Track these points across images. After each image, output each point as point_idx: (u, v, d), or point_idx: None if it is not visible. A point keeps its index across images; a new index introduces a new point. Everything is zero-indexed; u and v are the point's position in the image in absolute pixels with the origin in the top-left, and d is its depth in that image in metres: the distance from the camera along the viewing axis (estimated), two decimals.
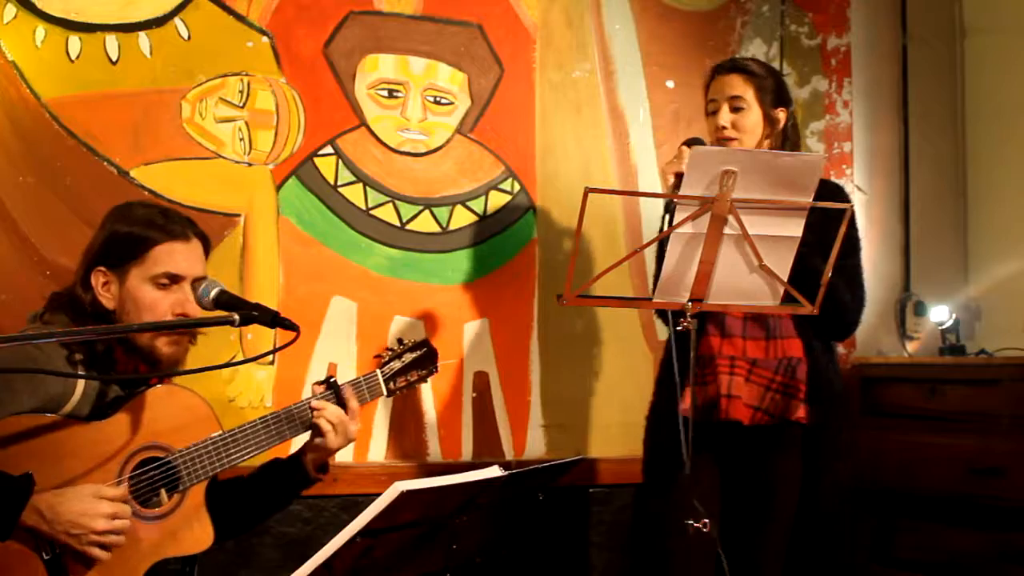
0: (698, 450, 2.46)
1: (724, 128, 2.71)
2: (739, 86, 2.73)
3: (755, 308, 2.37)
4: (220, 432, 2.18)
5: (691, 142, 2.62)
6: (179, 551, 2.13)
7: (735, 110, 2.72)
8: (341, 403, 2.30)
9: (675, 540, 2.61)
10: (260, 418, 2.22)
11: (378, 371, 2.38)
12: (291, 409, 2.25)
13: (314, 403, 2.26)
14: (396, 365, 2.40)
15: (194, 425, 2.17)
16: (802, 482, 2.69)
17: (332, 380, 2.31)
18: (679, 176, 2.44)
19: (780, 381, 2.65)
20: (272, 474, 2.36)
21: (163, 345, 2.17)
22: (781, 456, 2.68)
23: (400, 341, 2.44)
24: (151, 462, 2.11)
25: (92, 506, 1.98)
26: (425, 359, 2.44)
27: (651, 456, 2.79)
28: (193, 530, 2.15)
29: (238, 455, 2.18)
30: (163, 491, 2.12)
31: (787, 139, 2.78)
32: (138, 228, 2.18)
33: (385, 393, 2.38)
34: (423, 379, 2.44)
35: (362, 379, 2.35)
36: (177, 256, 2.18)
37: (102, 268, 2.18)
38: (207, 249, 2.28)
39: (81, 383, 2.10)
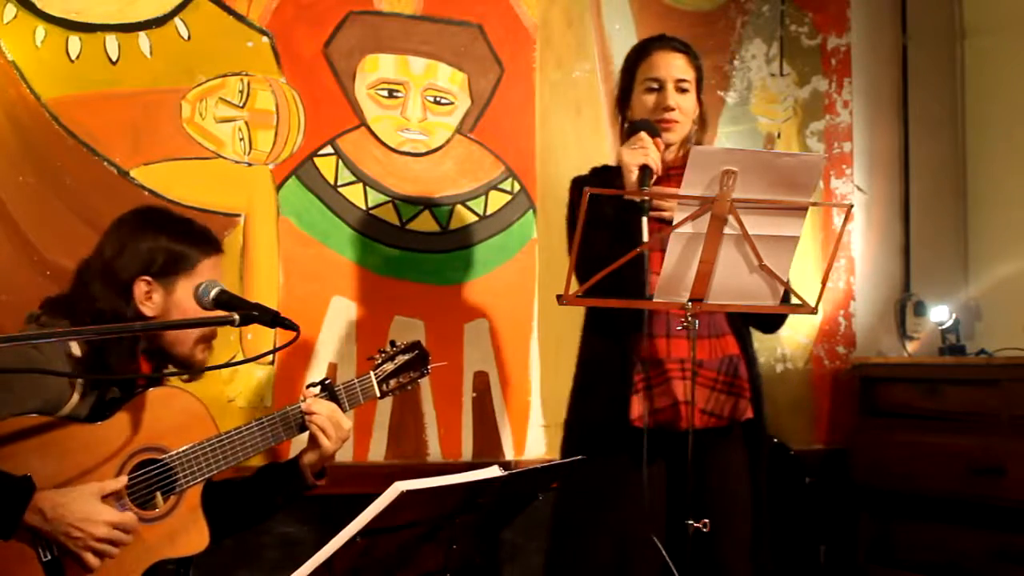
0: (650, 459, 2.41)
1: (674, 109, 2.54)
2: (684, 68, 2.59)
3: (755, 308, 2.36)
4: (217, 434, 2.19)
5: (641, 126, 2.49)
6: (175, 553, 2.14)
7: (681, 91, 2.57)
8: (337, 404, 2.30)
9: (627, 552, 2.47)
10: (256, 420, 2.23)
11: (371, 373, 2.38)
12: (287, 411, 2.26)
13: (304, 407, 2.26)
14: (389, 367, 2.40)
15: (191, 427, 2.18)
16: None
17: (327, 382, 2.32)
18: (644, 169, 2.38)
19: (723, 381, 2.53)
20: (269, 478, 2.36)
21: (199, 352, 2.24)
22: (729, 454, 2.55)
23: (392, 343, 2.44)
24: (148, 464, 2.12)
25: (95, 510, 1.99)
26: (417, 361, 2.44)
27: (585, 468, 2.44)
28: (189, 532, 2.16)
29: (234, 457, 2.19)
30: (159, 494, 2.12)
31: (703, 128, 2.67)
32: (194, 239, 2.25)
33: (378, 395, 2.38)
34: (415, 381, 2.44)
35: (356, 381, 2.35)
36: (217, 269, 2.26)
37: (146, 278, 2.20)
38: None
39: (79, 386, 2.10)
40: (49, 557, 1.99)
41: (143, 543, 2.09)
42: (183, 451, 2.14)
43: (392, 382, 2.40)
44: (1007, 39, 3.92)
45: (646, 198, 2.32)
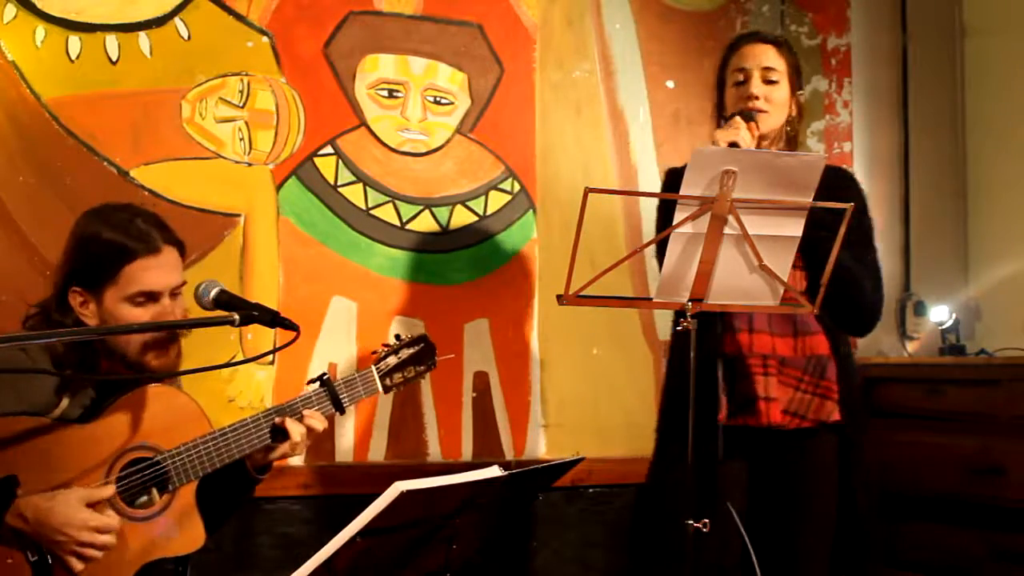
0: (730, 455, 2.43)
1: (757, 98, 2.53)
2: (774, 58, 2.57)
3: (755, 308, 2.36)
4: (210, 432, 2.15)
5: (736, 112, 2.50)
6: (170, 552, 2.12)
7: (768, 82, 2.55)
8: (336, 401, 2.26)
9: (702, 552, 2.48)
10: (251, 417, 2.19)
11: (373, 367, 2.33)
12: (282, 407, 2.22)
13: (307, 412, 2.22)
14: (392, 361, 2.35)
15: (184, 425, 2.15)
16: (839, 482, 2.55)
17: (325, 377, 2.27)
18: (733, 146, 2.39)
19: (809, 380, 2.52)
20: (217, 477, 2.28)
21: (152, 359, 2.14)
22: (814, 456, 2.54)
23: (397, 337, 2.40)
24: (140, 462, 2.09)
25: (77, 515, 1.97)
26: (423, 354, 2.38)
27: (673, 466, 2.52)
28: (184, 530, 2.13)
29: (228, 454, 2.15)
30: (154, 491, 2.11)
31: (801, 120, 2.65)
32: (107, 247, 2.11)
33: (381, 390, 2.32)
34: (421, 375, 2.38)
35: (357, 376, 2.30)
36: (151, 273, 2.12)
37: (77, 288, 2.13)
38: (182, 252, 2.22)
39: (69, 387, 2.09)
40: (36, 557, 1.97)
41: (137, 542, 2.08)
42: (176, 449, 2.11)
43: (396, 376, 2.34)
44: (1007, 39, 3.92)
45: None
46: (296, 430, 2.20)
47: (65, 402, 2.08)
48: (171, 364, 2.18)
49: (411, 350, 2.37)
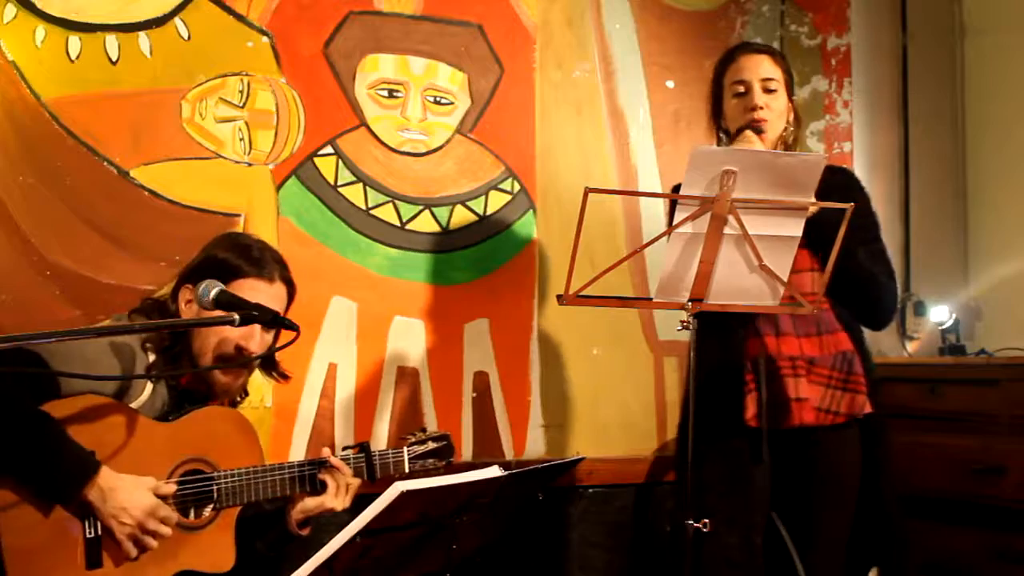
0: (759, 459, 2.47)
1: (761, 108, 2.56)
2: (770, 68, 2.61)
3: (755, 308, 2.36)
4: (264, 464, 2.26)
5: (746, 127, 2.54)
6: (202, 567, 2.18)
7: (768, 91, 2.59)
8: (371, 468, 2.38)
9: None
10: (299, 461, 2.31)
11: (405, 449, 2.47)
12: (324, 461, 2.33)
13: (334, 461, 2.33)
14: (419, 449, 2.50)
15: (241, 450, 2.25)
16: (863, 475, 2.60)
17: (366, 444, 2.40)
18: None
19: (838, 377, 2.56)
20: (256, 526, 2.38)
21: (221, 375, 2.25)
22: (843, 450, 2.58)
23: (423, 430, 2.56)
24: (196, 474, 2.19)
25: (147, 500, 2.06)
26: (444, 451, 2.54)
27: (704, 472, 2.50)
28: (217, 550, 2.20)
29: (272, 489, 2.26)
30: (194, 505, 2.18)
31: (799, 126, 2.70)
32: (230, 257, 2.27)
33: (407, 470, 2.46)
34: (438, 470, 2.52)
35: (390, 452, 2.44)
36: (257, 294, 2.24)
37: (189, 286, 2.25)
38: (291, 296, 2.36)
39: (150, 384, 2.19)
40: (93, 534, 2.04)
41: (177, 548, 2.15)
42: (231, 472, 2.20)
43: (418, 464, 2.49)
44: (1007, 39, 3.92)
45: None
46: (332, 479, 2.32)
47: (146, 396, 2.17)
48: (238, 387, 2.32)
49: (435, 445, 2.53)
